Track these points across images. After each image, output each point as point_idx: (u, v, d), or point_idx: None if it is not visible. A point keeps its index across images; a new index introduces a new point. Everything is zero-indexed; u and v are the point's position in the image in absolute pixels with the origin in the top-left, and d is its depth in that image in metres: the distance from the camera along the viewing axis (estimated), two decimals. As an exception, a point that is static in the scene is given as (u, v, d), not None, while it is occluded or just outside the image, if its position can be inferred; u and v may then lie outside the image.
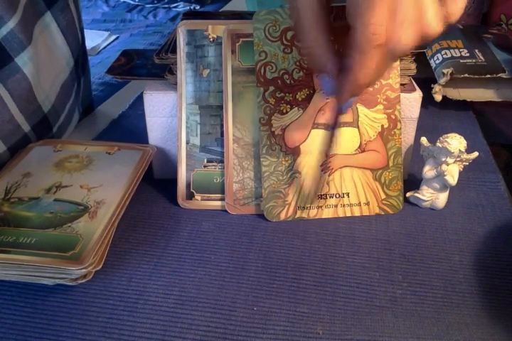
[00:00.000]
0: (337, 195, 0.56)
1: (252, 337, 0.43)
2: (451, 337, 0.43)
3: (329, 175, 0.55)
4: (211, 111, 0.56)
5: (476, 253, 0.51)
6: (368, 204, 0.56)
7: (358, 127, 0.55)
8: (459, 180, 0.55)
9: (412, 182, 0.59)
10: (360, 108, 0.55)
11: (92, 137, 0.71)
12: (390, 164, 0.56)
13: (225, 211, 0.57)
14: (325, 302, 0.46)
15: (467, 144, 0.54)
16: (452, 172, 0.54)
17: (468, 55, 0.78)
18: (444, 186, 0.56)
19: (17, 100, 0.60)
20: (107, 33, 1.80)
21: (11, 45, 0.57)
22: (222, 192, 0.57)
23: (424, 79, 0.71)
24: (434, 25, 0.36)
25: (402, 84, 0.56)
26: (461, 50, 0.79)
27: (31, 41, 0.60)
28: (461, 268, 0.50)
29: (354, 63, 0.38)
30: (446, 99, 0.76)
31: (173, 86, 0.57)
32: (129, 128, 0.72)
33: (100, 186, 0.54)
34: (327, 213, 0.56)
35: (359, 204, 0.56)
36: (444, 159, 0.54)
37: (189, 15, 0.61)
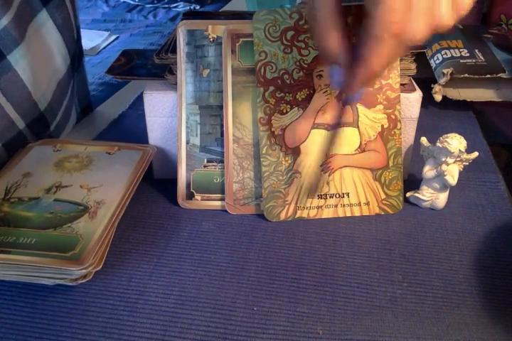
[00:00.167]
0: (337, 195, 0.56)
1: (252, 337, 0.43)
2: (451, 337, 0.43)
3: (329, 175, 0.55)
4: (211, 111, 0.56)
5: (476, 253, 0.51)
6: (368, 204, 0.56)
7: (358, 127, 0.55)
8: (459, 180, 0.55)
9: (412, 182, 0.59)
10: (360, 108, 0.55)
11: (92, 137, 0.71)
12: (390, 164, 0.56)
13: (225, 211, 0.57)
14: (325, 302, 0.46)
15: (467, 144, 0.54)
16: (452, 172, 0.54)
17: (468, 55, 0.78)
18: (444, 186, 0.56)
19: (10, 97, 0.60)
20: (107, 33, 1.80)
21: (3, 43, 0.57)
22: (222, 192, 0.57)
23: (424, 79, 0.71)
24: (447, 18, 0.37)
25: (402, 84, 0.56)
26: (461, 50, 0.79)
27: (24, 38, 0.60)
28: (461, 268, 0.50)
29: (368, 52, 0.38)
30: (446, 99, 0.76)
31: (173, 86, 0.57)
32: (129, 128, 0.72)
33: (100, 186, 0.54)
34: (327, 213, 0.56)
35: (359, 204, 0.56)
36: (444, 159, 0.54)
37: (189, 15, 0.61)
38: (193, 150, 0.57)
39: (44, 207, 0.51)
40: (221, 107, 0.55)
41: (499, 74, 0.74)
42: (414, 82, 0.59)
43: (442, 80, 0.75)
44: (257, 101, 0.54)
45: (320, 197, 0.56)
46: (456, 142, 0.53)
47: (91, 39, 1.72)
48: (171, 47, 0.56)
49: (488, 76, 0.74)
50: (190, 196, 0.57)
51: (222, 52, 0.54)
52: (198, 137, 0.56)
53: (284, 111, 0.54)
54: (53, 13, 0.66)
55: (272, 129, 0.54)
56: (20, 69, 0.60)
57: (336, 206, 0.56)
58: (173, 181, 0.57)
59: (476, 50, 0.79)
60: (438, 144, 0.54)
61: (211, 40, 0.55)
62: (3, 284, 0.47)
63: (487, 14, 0.96)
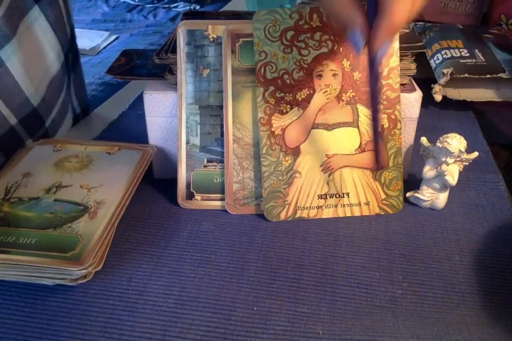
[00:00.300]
0: (337, 195, 0.56)
1: (252, 337, 0.43)
2: (451, 337, 0.43)
3: (329, 175, 0.55)
4: (211, 111, 0.56)
5: (476, 253, 0.51)
6: (368, 204, 0.56)
7: (358, 127, 0.55)
8: (459, 180, 0.55)
9: (412, 182, 0.59)
10: (360, 108, 0.55)
11: (92, 137, 0.71)
12: (390, 164, 0.56)
13: (225, 211, 0.57)
14: (325, 302, 0.46)
15: (467, 144, 0.54)
16: (452, 172, 0.54)
17: (468, 55, 0.78)
18: (444, 186, 0.56)
19: (0, 93, 0.60)
20: (107, 33, 1.80)
21: None
22: (222, 192, 0.57)
23: (424, 79, 0.71)
24: None
25: (402, 84, 0.56)
26: (461, 50, 0.79)
27: (16, 34, 0.60)
28: (461, 268, 0.50)
29: (392, 2, 0.40)
30: (446, 99, 0.76)
31: (173, 86, 0.57)
32: (129, 128, 0.72)
33: (100, 186, 0.54)
34: (327, 213, 0.56)
35: (359, 204, 0.56)
36: (444, 159, 0.54)
37: (189, 15, 0.61)
38: (193, 150, 0.57)
39: (44, 207, 0.51)
40: (221, 107, 0.55)
41: (499, 74, 0.74)
42: (414, 82, 0.59)
43: (442, 80, 0.75)
44: (257, 101, 0.54)
45: (320, 197, 0.56)
46: (456, 142, 0.53)
47: (91, 39, 1.72)
48: (171, 47, 0.56)
49: (488, 76, 0.74)
50: (190, 196, 0.57)
51: (222, 52, 0.54)
52: (198, 137, 0.56)
53: (284, 111, 0.54)
54: (45, 9, 0.66)
55: (272, 129, 0.54)
56: (12, 65, 0.60)
57: (336, 206, 0.56)
58: (173, 181, 0.57)
59: (476, 50, 0.79)
60: (438, 144, 0.54)
61: (211, 40, 0.55)
62: (3, 284, 0.47)
63: (487, 14, 0.96)
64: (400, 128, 0.56)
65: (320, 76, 0.54)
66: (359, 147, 0.56)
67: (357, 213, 0.56)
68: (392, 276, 0.49)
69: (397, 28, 0.42)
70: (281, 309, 0.45)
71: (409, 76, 0.58)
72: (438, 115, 0.77)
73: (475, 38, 0.83)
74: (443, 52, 0.79)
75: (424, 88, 0.59)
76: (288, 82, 0.54)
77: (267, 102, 0.54)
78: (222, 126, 0.56)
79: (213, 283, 0.48)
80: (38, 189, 0.53)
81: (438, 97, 0.76)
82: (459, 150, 0.53)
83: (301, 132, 0.55)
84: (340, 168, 0.56)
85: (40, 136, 0.67)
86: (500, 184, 0.61)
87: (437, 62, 0.78)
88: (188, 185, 0.57)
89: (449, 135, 0.54)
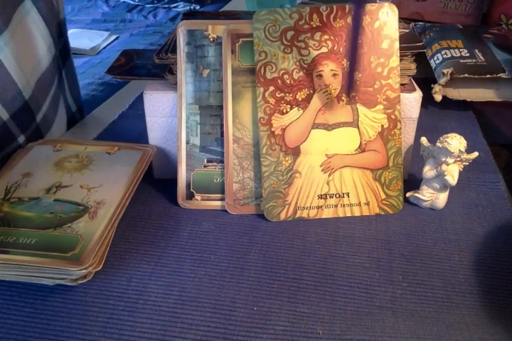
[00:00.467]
0: (337, 195, 0.56)
1: (252, 337, 0.43)
2: (451, 337, 0.43)
3: (329, 175, 0.55)
4: (211, 111, 0.56)
5: (476, 253, 0.51)
6: (368, 204, 0.56)
7: (358, 127, 0.55)
8: (459, 180, 0.55)
9: (412, 182, 0.59)
10: (360, 108, 0.55)
11: (92, 137, 0.71)
12: (390, 164, 0.56)
13: (225, 211, 0.57)
14: (325, 302, 0.46)
15: (467, 144, 0.54)
16: (452, 172, 0.54)
17: (468, 55, 0.78)
18: (444, 186, 0.56)
19: None
20: (107, 33, 1.80)
21: None
22: (222, 192, 0.57)
23: (424, 79, 0.71)
24: None
25: (402, 84, 0.56)
26: (461, 50, 0.79)
27: (8, 26, 0.60)
28: (461, 268, 0.50)
29: None
30: (446, 99, 0.76)
31: (173, 86, 0.57)
32: (129, 128, 0.72)
33: (100, 186, 0.54)
34: (327, 213, 0.56)
35: (359, 204, 0.56)
36: (444, 159, 0.54)
37: (189, 15, 0.61)
38: (193, 150, 0.57)
39: (44, 207, 0.51)
40: (221, 107, 0.55)
41: (499, 74, 0.74)
42: (414, 82, 0.59)
43: (442, 80, 0.75)
44: (257, 101, 0.54)
45: (320, 197, 0.56)
46: (456, 142, 0.53)
47: (91, 39, 1.71)
48: (171, 47, 0.56)
49: (488, 76, 0.74)
50: (190, 196, 0.57)
51: (222, 52, 0.54)
52: (198, 137, 0.56)
53: (284, 111, 0.54)
54: (37, 2, 0.66)
55: (272, 129, 0.54)
56: (4, 57, 0.60)
57: (336, 206, 0.56)
58: (173, 181, 0.57)
59: (476, 50, 0.79)
60: (438, 144, 0.54)
61: (211, 40, 0.55)
62: (3, 284, 0.47)
63: (487, 14, 0.96)
64: (400, 128, 0.56)
65: (320, 76, 0.54)
66: (359, 147, 0.56)
67: (357, 213, 0.56)
68: (392, 276, 0.49)
69: None
70: (281, 309, 0.45)
71: (409, 76, 0.58)
72: (438, 115, 0.77)
73: (475, 38, 0.83)
74: (443, 52, 0.79)
75: (424, 88, 0.59)
76: (288, 82, 0.54)
77: (267, 102, 0.54)
78: (222, 126, 0.56)
79: (213, 283, 0.48)
80: (38, 189, 0.53)
81: (438, 97, 0.76)
82: (459, 150, 0.53)
83: (301, 132, 0.55)
84: (340, 168, 0.56)
85: (32, 132, 0.67)
86: (500, 184, 0.61)
87: (437, 62, 0.78)
88: (188, 185, 0.57)
89: (449, 135, 0.54)
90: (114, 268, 0.49)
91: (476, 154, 0.55)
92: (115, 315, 0.44)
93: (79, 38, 1.66)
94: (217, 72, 0.55)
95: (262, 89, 0.54)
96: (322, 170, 0.55)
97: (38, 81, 0.68)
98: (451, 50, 0.79)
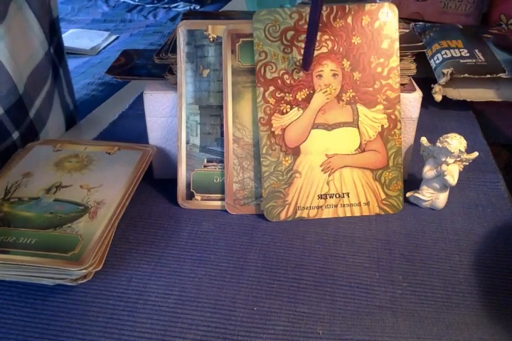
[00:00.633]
0: (337, 195, 0.56)
1: (252, 337, 0.43)
2: (451, 337, 0.43)
3: (329, 175, 0.55)
4: (211, 111, 0.56)
5: (476, 253, 0.51)
6: (368, 204, 0.56)
7: (358, 127, 0.55)
8: (459, 180, 0.55)
9: (412, 182, 0.59)
10: (360, 108, 0.55)
11: (92, 137, 0.71)
12: (390, 164, 0.56)
13: (225, 211, 0.57)
14: (325, 302, 0.46)
15: (467, 144, 0.54)
16: (452, 172, 0.54)
17: (468, 55, 0.78)
18: (444, 186, 0.56)
19: None
20: (107, 33, 1.80)
21: None
22: (222, 192, 0.57)
23: (424, 79, 0.71)
24: None
25: (402, 84, 0.56)
26: (461, 50, 0.79)
27: (3, 20, 0.60)
28: (461, 268, 0.50)
29: None
30: (446, 99, 0.76)
31: (173, 86, 0.57)
32: (129, 128, 0.72)
33: (100, 186, 0.54)
34: (327, 213, 0.56)
35: (359, 204, 0.56)
36: (444, 159, 0.54)
37: (189, 15, 0.61)
38: (193, 150, 0.57)
39: (44, 207, 0.51)
40: (221, 107, 0.55)
41: (499, 74, 0.74)
42: (414, 82, 0.59)
43: (442, 80, 0.75)
44: (257, 101, 0.54)
45: (320, 197, 0.56)
46: (456, 142, 0.53)
47: (91, 39, 1.71)
48: (171, 47, 0.56)
49: (488, 76, 0.74)
50: (190, 196, 0.57)
51: (222, 52, 0.54)
52: (198, 137, 0.56)
53: (284, 111, 0.54)
54: None
55: (272, 129, 0.54)
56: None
57: (336, 206, 0.56)
58: (173, 181, 0.57)
59: (476, 50, 0.79)
60: (438, 144, 0.54)
61: (211, 40, 0.55)
62: (3, 284, 0.47)
63: (487, 14, 0.96)
64: (400, 128, 0.56)
65: (320, 76, 0.54)
66: (359, 147, 0.56)
67: (357, 213, 0.56)
68: (392, 276, 0.49)
69: None
70: (281, 309, 0.45)
71: (409, 76, 0.58)
72: (438, 115, 0.77)
73: (475, 38, 0.83)
74: (443, 52, 0.79)
75: (424, 88, 0.59)
76: (288, 82, 0.54)
77: (267, 102, 0.54)
78: (222, 126, 0.56)
79: (213, 283, 0.48)
80: (38, 189, 0.53)
81: (438, 97, 0.76)
82: (459, 150, 0.53)
83: (301, 132, 0.55)
84: (340, 168, 0.55)
85: (26, 128, 0.67)
86: (500, 184, 0.61)
87: (437, 62, 0.78)
88: (188, 185, 0.57)
89: (449, 135, 0.54)
90: (114, 268, 0.49)
91: (476, 154, 0.55)
92: (115, 315, 0.44)
93: (79, 38, 1.67)
94: (217, 72, 0.55)
95: (262, 89, 0.54)
96: (322, 170, 0.55)
97: (30, 76, 0.67)
98: (451, 50, 0.79)
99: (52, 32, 0.74)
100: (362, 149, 0.56)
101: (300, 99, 0.54)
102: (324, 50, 0.54)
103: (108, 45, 1.74)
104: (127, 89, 0.88)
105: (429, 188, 0.56)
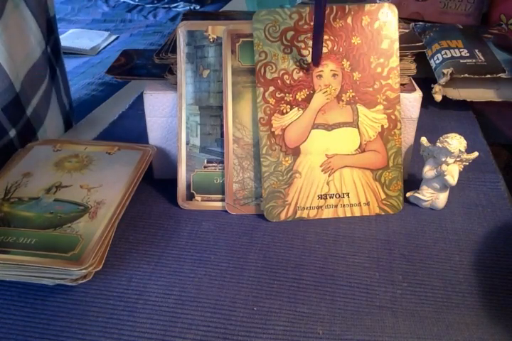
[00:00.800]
0: (337, 195, 0.56)
1: (252, 337, 0.43)
2: (451, 337, 0.43)
3: (329, 175, 0.55)
4: (211, 112, 0.56)
5: (476, 253, 0.51)
6: (368, 204, 0.56)
7: (358, 127, 0.55)
8: (459, 180, 0.55)
9: (412, 182, 0.59)
10: (360, 108, 0.55)
11: (92, 137, 0.71)
12: (390, 164, 0.56)
13: (225, 211, 0.57)
14: (325, 302, 0.46)
15: (467, 144, 0.54)
16: (452, 172, 0.54)
17: (468, 55, 0.78)
18: (444, 186, 0.56)
19: None
20: (107, 33, 1.80)
21: None
22: (223, 193, 0.57)
23: (424, 79, 0.71)
24: None
25: (402, 84, 0.56)
26: (461, 50, 0.79)
27: (1, 18, 0.60)
28: (461, 268, 0.50)
29: None
30: (446, 99, 0.76)
31: (173, 86, 0.57)
32: (129, 128, 0.72)
33: (100, 186, 0.54)
34: (327, 213, 0.56)
35: (359, 204, 0.56)
36: (444, 159, 0.54)
37: (189, 15, 0.61)
38: (193, 150, 0.57)
39: (44, 207, 0.51)
40: (221, 108, 0.55)
41: (499, 74, 0.74)
42: (414, 82, 0.59)
43: (442, 80, 0.75)
44: (257, 102, 0.54)
45: (320, 197, 0.56)
46: (456, 142, 0.53)
47: (91, 39, 1.71)
48: (171, 47, 0.56)
49: (488, 76, 0.74)
50: (190, 197, 0.57)
51: (222, 53, 0.54)
52: (198, 138, 0.56)
53: (284, 111, 0.54)
54: None
55: (272, 129, 0.54)
56: None
57: (336, 206, 0.56)
58: (173, 181, 0.57)
59: (476, 50, 0.79)
60: (438, 144, 0.54)
61: (211, 40, 0.55)
62: (3, 284, 0.47)
63: (487, 14, 0.96)
64: (400, 128, 0.56)
65: (320, 76, 0.54)
66: (359, 147, 0.56)
67: (357, 213, 0.56)
68: (392, 276, 0.49)
69: None
70: (281, 309, 0.45)
71: (409, 76, 0.58)
72: (438, 115, 0.77)
73: (475, 38, 0.83)
74: (443, 52, 0.79)
75: (424, 88, 0.59)
76: (288, 82, 0.54)
77: (267, 102, 0.54)
78: (222, 126, 0.56)
79: (213, 283, 0.48)
80: (38, 189, 0.53)
81: (438, 97, 0.76)
82: (459, 150, 0.53)
83: (301, 132, 0.55)
84: (340, 168, 0.56)
85: (23, 126, 0.67)
86: (500, 184, 0.61)
87: (437, 62, 0.78)
88: (188, 186, 0.57)
89: (449, 135, 0.54)
90: (114, 268, 0.49)
91: (476, 154, 0.55)
92: (115, 315, 0.44)
93: (79, 38, 1.67)
94: (217, 73, 0.55)
95: (262, 89, 0.54)
96: (322, 171, 0.55)
97: (27, 74, 0.67)
98: (451, 50, 0.79)
99: (50, 31, 0.74)
100: (362, 149, 0.56)
101: (300, 99, 0.54)
102: (324, 50, 0.53)
103: (108, 45, 1.74)
104: (127, 89, 0.88)
105: (429, 188, 0.56)
